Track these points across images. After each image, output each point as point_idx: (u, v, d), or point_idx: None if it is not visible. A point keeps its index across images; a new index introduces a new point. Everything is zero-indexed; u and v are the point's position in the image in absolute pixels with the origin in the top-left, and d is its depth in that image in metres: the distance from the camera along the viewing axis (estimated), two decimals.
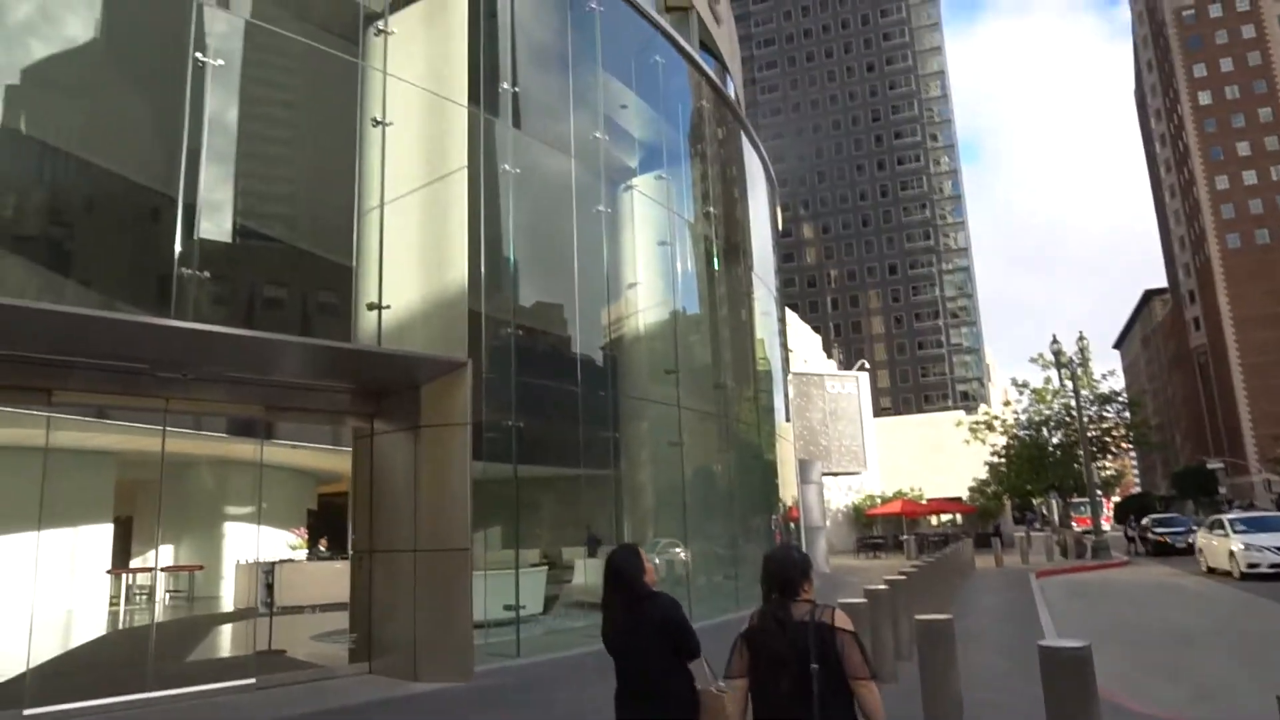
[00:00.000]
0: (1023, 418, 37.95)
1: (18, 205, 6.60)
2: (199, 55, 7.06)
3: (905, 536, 35.18)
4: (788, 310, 33.34)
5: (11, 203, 6.58)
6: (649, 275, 13.27)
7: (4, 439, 9.88)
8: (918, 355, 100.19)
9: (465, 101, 9.32)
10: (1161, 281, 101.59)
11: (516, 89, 10.19)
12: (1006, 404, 44.22)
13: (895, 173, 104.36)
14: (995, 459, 38.13)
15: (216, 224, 7.30)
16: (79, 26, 7.14)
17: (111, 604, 13.27)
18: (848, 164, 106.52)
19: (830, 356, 59.31)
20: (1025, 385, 37.41)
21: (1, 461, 9.82)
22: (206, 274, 6.91)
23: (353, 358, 8.16)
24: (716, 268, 15.93)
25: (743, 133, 17.66)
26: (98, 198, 7.03)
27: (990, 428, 37.37)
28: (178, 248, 6.78)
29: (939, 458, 45.22)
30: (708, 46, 17.13)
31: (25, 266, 6.59)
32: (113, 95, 7.27)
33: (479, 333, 9.16)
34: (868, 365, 53.50)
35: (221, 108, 7.41)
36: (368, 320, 7.98)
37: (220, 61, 7.23)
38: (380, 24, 8.69)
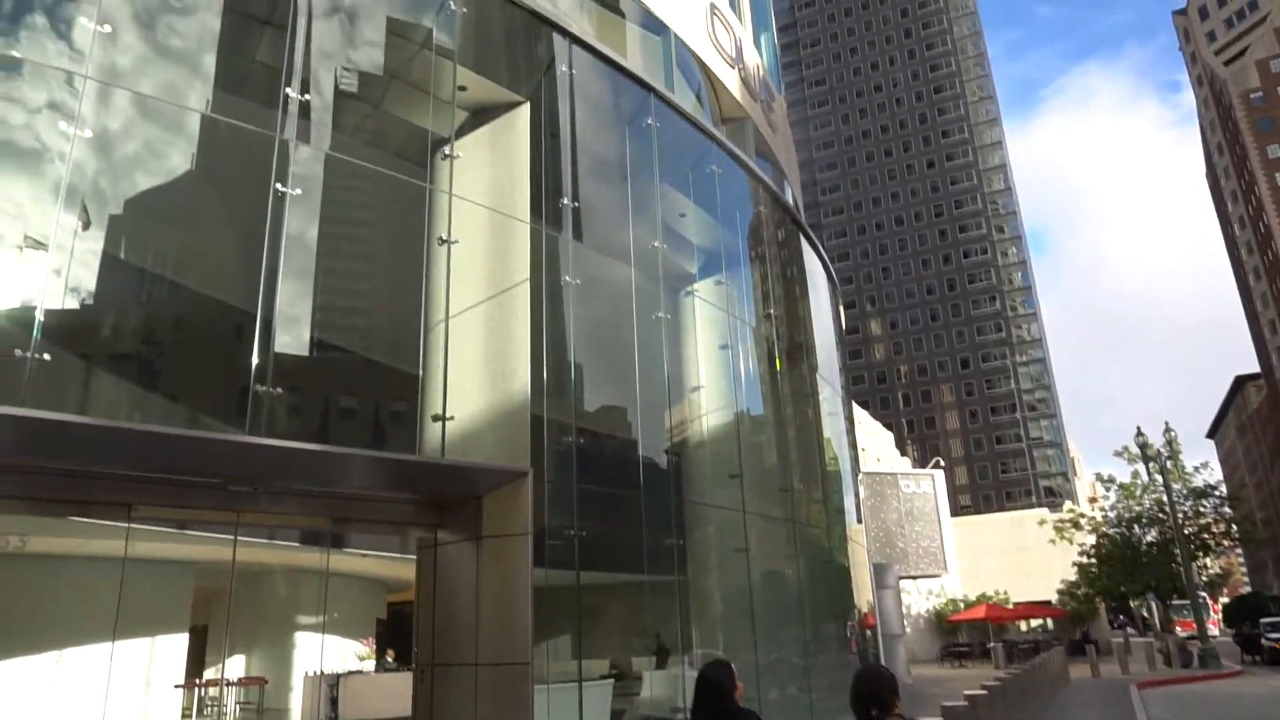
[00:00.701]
0: (1111, 515, 36.14)
1: (115, 325, 7.05)
2: (279, 185, 7.53)
3: (992, 644, 33.30)
4: (857, 408, 32.89)
5: (110, 323, 7.03)
6: (711, 378, 13.29)
7: (83, 549, 10.22)
8: (996, 450, 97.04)
9: (528, 218, 9.69)
10: (1253, 366, 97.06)
11: (577, 203, 10.56)
12: (1093, 500, 42.26)
13: (962, 266, 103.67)
14: (1084, 559, 36.18)
15: (294, 337, 7.65)
16: (178, 158, 7.71)
17: (184, 717, 13.34)
18: (912, 259, 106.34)
19: (904, 454, 57.90)
20: (1112, 480, 35.77)
21: (79, 571, 10.13)
22: (280, 390, 7.18)
23: (417, 469, 8.29)
24: (779, 369, 15.88)
25: (802, 235, 17.85)
26: (186, 317, 7.46)
27: (1077, 526, 35.61)
28: (255, 360, 7.09)
29: (1025, 558, 43.09)
30: (764, 154, 17.54)
31: (117, 384, 6.98)
32: (203, 222, 7.80)
33: (541, 439, 9.24)
34: (943, 462, 51.91)
35: (300, 230, 7.84)
36: (433, 431, 8.14)
37: (299, 191, 7.70)
38: (448, 149, 9.18)
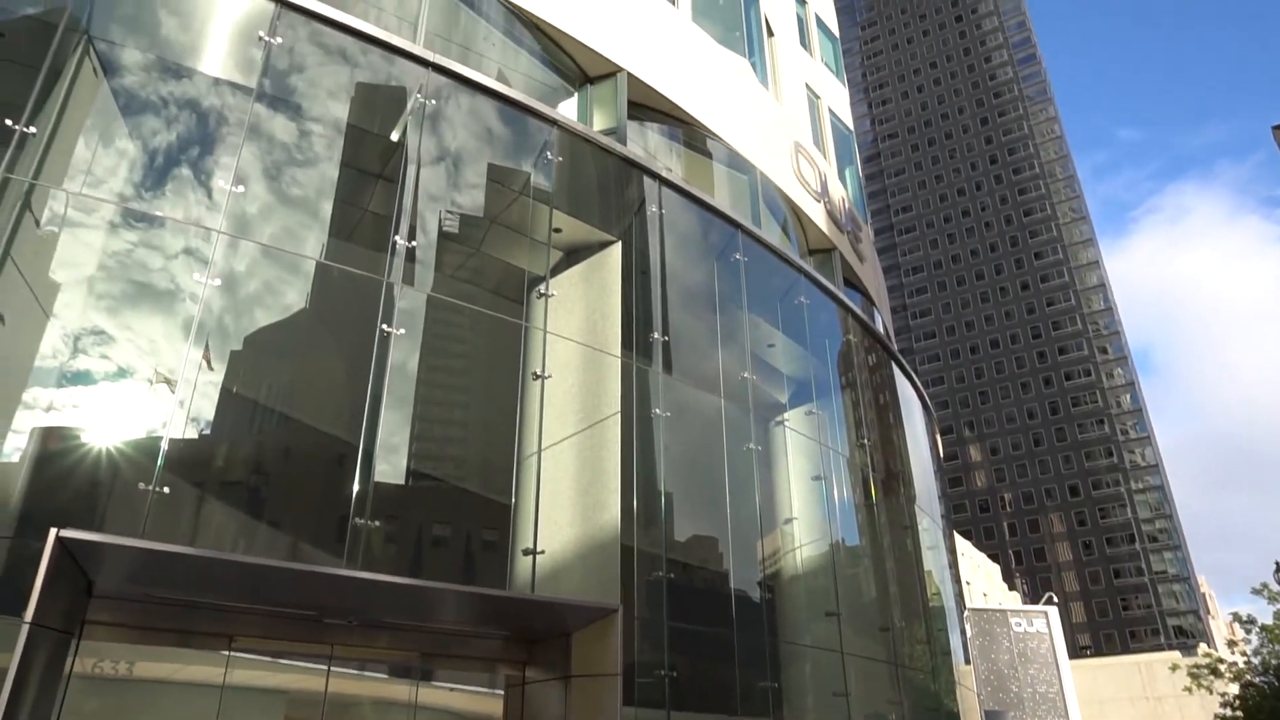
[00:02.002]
0: (1256, 661, 32.89)
1: (228, 456, 7.43)
2: (385, 326, 7.97)
3: None
4: (960, 539, 31.37)
5: (224, 453, 7.41)
6: (804, 510, 12.99)
7: (182, 675, 10.41)
8: (1115, 585, 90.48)
9: (619, 352, 9.92)
10: None
11: (667, 337, 10.77)
12: (1233, 644, 38.64)
13: (1064, 389, 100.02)
14: (1228, 711, 32.77)
15: (392, 465, 7.92)
16: (294, 298, 8.26)
17: None
18: (1010, 383, 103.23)
19: (1013, 588, 54.56)
20: (1252, 621, 32.74)
21: (178, 697, 10.28)
22: (378, 522, 7.37)
23: (507, 605, 8.27)
24: (875, 499, 15.41)
25: (893, 362, 17.66)
26: (293, 448, 7.82)
27: (1217, 673, 32.51)
28: (355, 488, 7.32)
29: (1158, 708, 39.35)
30: (853, 283, 17.65)
31: (226, 514, 7.29)
32: (314, 358, 8.27)
33: (631, 572, 9.13)
34: (1055, 598, 48.62)
35: (402, 365, 8.22)
36: (523, 565, 8.16)
37: (402, 330, 8.12)
38: (543, 288, 9.58)
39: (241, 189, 7.77)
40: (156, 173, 7.75)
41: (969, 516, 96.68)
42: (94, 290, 7.02)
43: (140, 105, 7.98)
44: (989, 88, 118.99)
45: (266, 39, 8.56)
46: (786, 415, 13.22)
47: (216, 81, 8.42)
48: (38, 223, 7.07)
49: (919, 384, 19.80)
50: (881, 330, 18.83)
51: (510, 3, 11.47)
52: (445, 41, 10.93)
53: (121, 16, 8.32)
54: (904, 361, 18.11)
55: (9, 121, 6.81)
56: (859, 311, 16.47)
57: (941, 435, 30.85)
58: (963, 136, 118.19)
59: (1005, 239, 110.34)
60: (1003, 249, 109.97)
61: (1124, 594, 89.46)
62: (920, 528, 17.24)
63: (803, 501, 13.00)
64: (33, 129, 6.93)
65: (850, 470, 14.60)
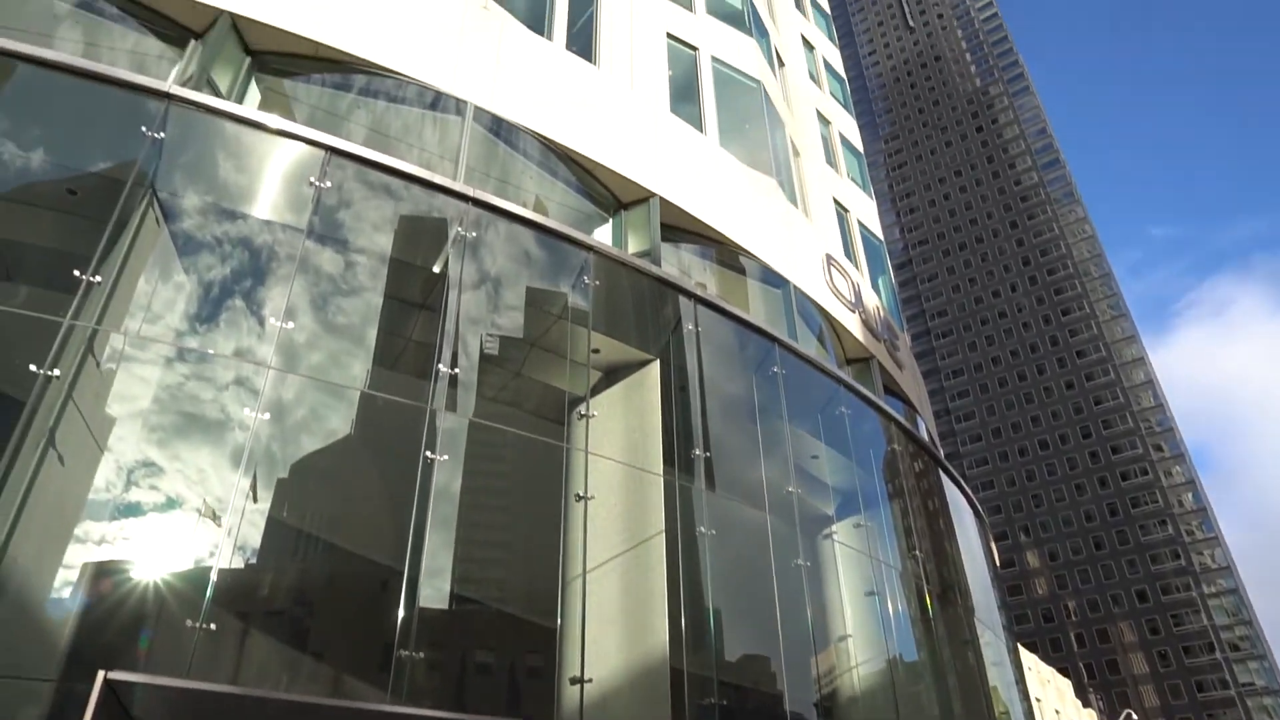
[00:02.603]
0: None
1: (273, 585, 7.42)
2: (429, 453, 8.05)
3: None
4: (1025, 651, 29.87)
5: (268, 583, 7.40)
6: (859, 626, 12.53)
7: None
8: (1200, 700, 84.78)
9: (661, 470, 9.88)
10: None
11: (708, 453, 10.72)
12: None
13: (1121, 489, 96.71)
14: None
15: (435, 589, 7.84)
16: (338, 424, 8.40)
17: None
18: (1064, 484, 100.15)
19: (1086, 704, 51.38)
20: None
21: None
22: (421, 653, 7.25)
23: None
24: (932, 613, 14.83)
25: (940, 469, 17.32)
26: (337, 575, 7.80)
27: None
28: (400, 614, 7.23)
29: None
30: (893, 390, 17.55)
31: (270, 647, 7.22)
32: (358, 485, 8.34)
33: (681, 696, 8.80)
34: (1134, 716, 45.61)
35: (444, 489, 8.25)
36: (570, 695, 7.92)
37: (445, 456, 8.20)
38: (583, 409, 9.66)
39: (291, 324, 8.06)
40: (210, 310, 8.09)
41: (1033, 627, 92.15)
42: (147, 423, 7.23)
43: (197, 247, 8.42)
44: (1015, 192, 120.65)
45: (316, 183, 9.05)
46: (834, 528, 12.94)
47: (269, 223, 8.89)
48: (98, 364, 7.36)
49: (968, 490, 19.33)
50: (926, 437, 18.56)
51: (544, 137, 12.05)
52: (484, 175, 11.46)
53: (184, 166, 8.88)
54: (950, 468, 17.76)
55: (77, 272, 7.21)
56: (901, 419, 16.30)
57: (996, 541, 29.85)
58: (993, 240, 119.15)
59: (1045, 339, 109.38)
60: (1043, 349, 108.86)
61: (1210, 709, 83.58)
62: (982, 641, 16.48)
63: (856, 617, 12.56)
64: (98, 278, 7.32)
65: (904, 583, 14.13)
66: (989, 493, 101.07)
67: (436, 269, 9.74)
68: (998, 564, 22.25)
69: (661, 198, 12.79)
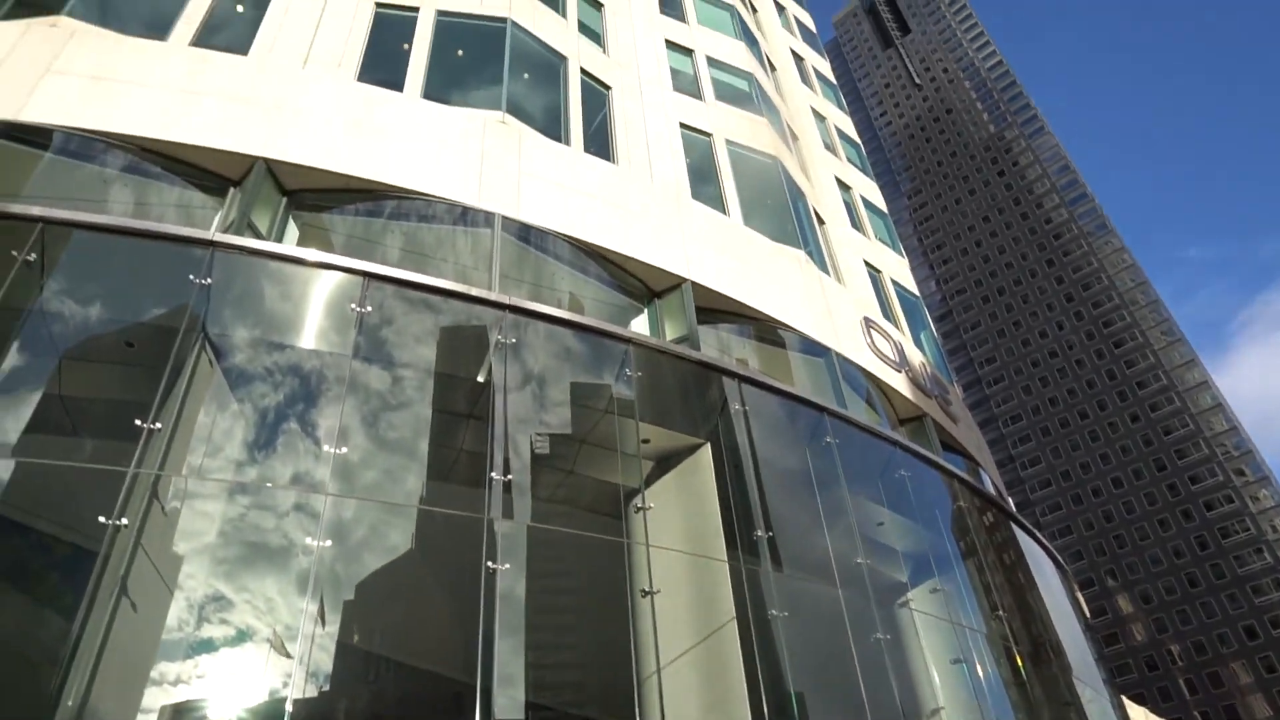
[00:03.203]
0: None
1: (348, 710, 7.35)
2: (490, 563, 8.03)
3: None
4: (1132, 705, 28.07)
5: (342, 708, 7.33)
6: (950, 697, 11.98)
7: None
8: None
9: (724, 555, 9.72)
10: None
11: (771, 533, 10.52)
12: None
13: (1207, 520, 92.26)
14: None
15: (510, 699, 7.69)
16: (398, 538, 8.44)
17: None
18: (1146, 522, 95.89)
19: None
20: None
21: None
22: None
23: None
24: (1025, 675, 14.13)
25: (1012, 522, 16.77)
26: (409, 694, 7.72)
27: None
28: None
29: None
30: (951, 446, 17.19)
31: None
32: (422, 601, 8.32)
33: None
34: None
35: (509, 595, 8.18)
36: None
37: (507, 565, 8.16)
38: (639, 501, 9.59)
39: (344, 449, 8.21)
40: (267, 441, 8.30)
41: (1137, 678, 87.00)
42: (214, 557, 7.37)
43: (249, 382, 8.69)
44: (1046, 231, 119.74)
45: (357, 309, 9.34)
46: (910, 595, 12.51)
47: (316, 351, 9.18)
48: (163, 508, 7.55)
49: (1042, 539, 18.65)
50: (991, 489, 18.04)
51: (572, 238, 12.34)
52: (517, 281, 11.71)
53: (231, 307, 9.25)
54: (1021, 519, 17.19)
55: (138, 421, 7.46)
56: (964, 474, 15.90)
57: (1082, 590, 28.45)
58: (1031, 281, 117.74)
59: (1101, 374, 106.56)
60: (1101, 384, 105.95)
61: None
62: (1083, 699, 15.61)
63: (946, 688, 12.02)
64: (158, 424, 7.56)
65: (991, 646, 13.53)
66: (1067, 539, 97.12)
67: (481, 378, 9.89)
68: (1087, 614, 21.26)
69: (693, 282, 12.94)
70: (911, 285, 21.96)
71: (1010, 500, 20.19)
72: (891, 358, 16.18)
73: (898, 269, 21.67)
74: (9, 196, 9.71)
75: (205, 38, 12.88)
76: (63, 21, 11.81)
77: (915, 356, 17.86)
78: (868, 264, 19.93)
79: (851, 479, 12.45)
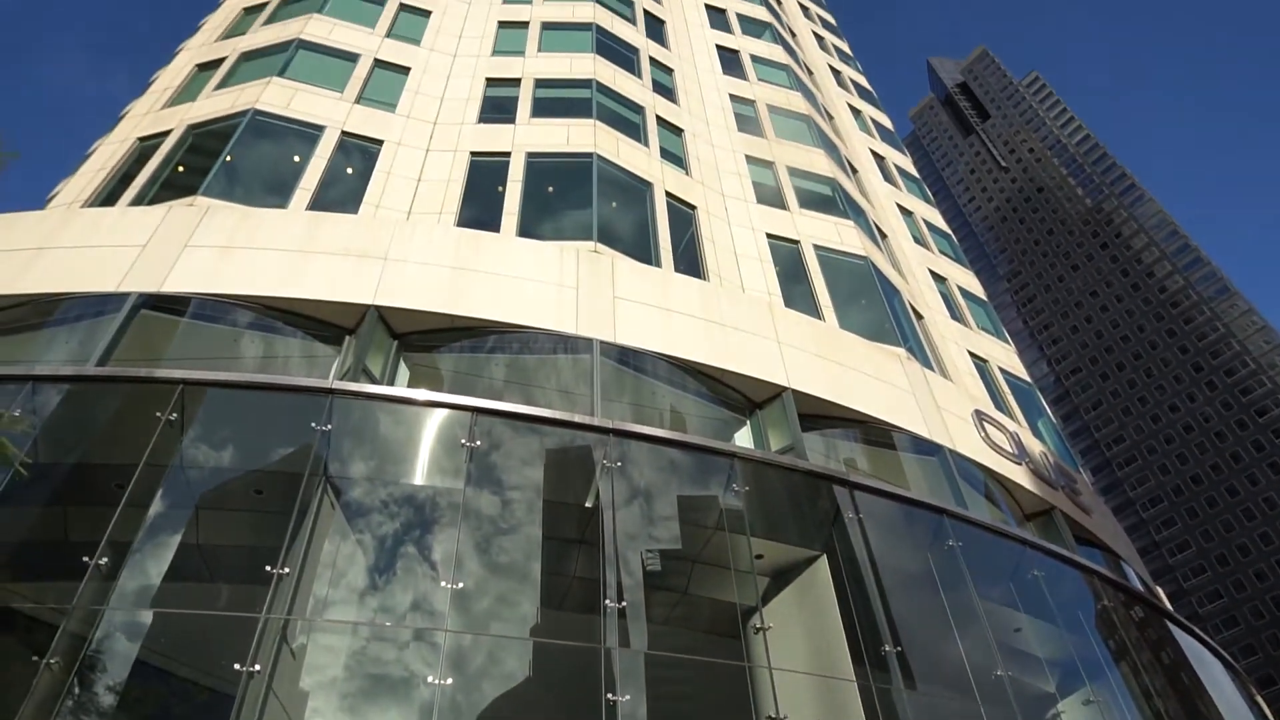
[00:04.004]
0: None
1: None
2: (610, 695, 7.89)
3: None
4: None
5: None
6: None
7: None
8: None
9: (852, 675, 9.25)
10: None
11: (899, 647, 9.98)
12: None
13: None
14: None
15: None
16: (515, 664, 8.42)
17: None
18: None
19: None
20: None
21: None
22: None
23: None
24: None
25: (1165, 619, 15.43)
26: None
27: None
28: None
29: None
30: (1086, 539, 16.12)
31: None
32: None
33: None
34: None
35: None
36: None
37: (627, 696, 7.99)
38: (757, 621, 9.31)
39: (460, 584, 8.34)
40: (386, 577, 8.54)
41: None
42: (339, 691, 7.51)
43: (368, 522, 9.03)
44: (1161, 300, 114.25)
45: (467, 444, 9.64)
46: (1060, 708, 11.56)
47: (430, 486, 9.49)
48: (292, 652, 7.78)
49: (1201, 634, 17.05)
50: (1137, 582, 16.73)
51: (669, 356, 12.51)
52: (618, 402, 11.89)
53: (350, 450, 9.71)
54: (1177, 615, 15.82)
55: (269, 568, 7.80)
56: (1103, 569, 14.83)
57: (1260, 690, 25.63)
58: (1153, 353, 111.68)
59: (1246, 445, 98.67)
60: (1249, 457, 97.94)
61: None
62: None
63: None
64: (286, 569, 7.88)
65: None
66: (1233, 631, 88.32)
67: (589, 504, 9.96)
68: (1268, 715, 19.16)
69: (793, 390, 12.84)
70: (1022, 372, 21.20)
71: (1161, 592, 18.65)
72: (1009, 450, 15.50)
73: (1005, 356, 21.01)
74: (153, 361, 10.59)
75: (320, 198, 14.04)
76: (199, 200, 13.09)
77: (1035, 446, 17.05)
78: (972, 354, 19.41)
79: (980, 583, 11.78)
